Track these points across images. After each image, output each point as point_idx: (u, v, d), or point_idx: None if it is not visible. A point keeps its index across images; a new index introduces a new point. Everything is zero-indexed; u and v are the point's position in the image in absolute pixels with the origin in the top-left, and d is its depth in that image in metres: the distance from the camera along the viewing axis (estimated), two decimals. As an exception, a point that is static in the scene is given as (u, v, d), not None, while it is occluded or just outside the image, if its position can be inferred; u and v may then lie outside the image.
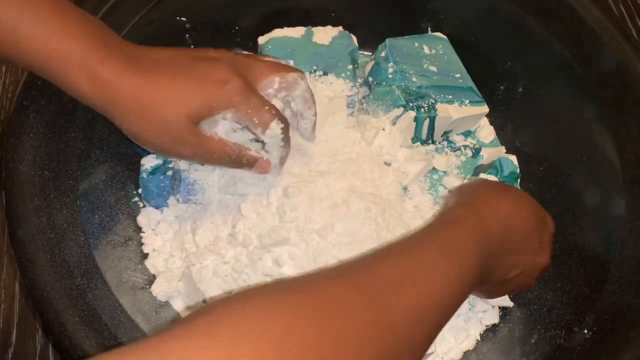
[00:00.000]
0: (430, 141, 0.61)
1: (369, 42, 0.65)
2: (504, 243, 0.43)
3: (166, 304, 0.52)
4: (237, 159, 0.46)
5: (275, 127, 0.45)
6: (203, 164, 0.52)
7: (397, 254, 0.36)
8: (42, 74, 0.41)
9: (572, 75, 0.57)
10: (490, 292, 0.50)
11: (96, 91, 0.40)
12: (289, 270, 0.48)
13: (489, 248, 0.41)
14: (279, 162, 0.48)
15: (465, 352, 0.54)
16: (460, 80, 0.60)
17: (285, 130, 0.46)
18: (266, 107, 0.44)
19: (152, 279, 0.52)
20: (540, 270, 0.48)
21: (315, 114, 0.50)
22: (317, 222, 0.48)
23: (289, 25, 0.61)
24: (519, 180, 0.61)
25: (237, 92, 0.43)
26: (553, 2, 0.58)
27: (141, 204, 0.55)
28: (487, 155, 0.61)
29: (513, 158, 0.61)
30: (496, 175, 0.60)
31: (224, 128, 0.45)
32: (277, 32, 0.61)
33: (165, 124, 0.41)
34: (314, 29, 0.62)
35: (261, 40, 0.61)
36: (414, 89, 0.58)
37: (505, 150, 0.63)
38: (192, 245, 0.51)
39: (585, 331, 0.46)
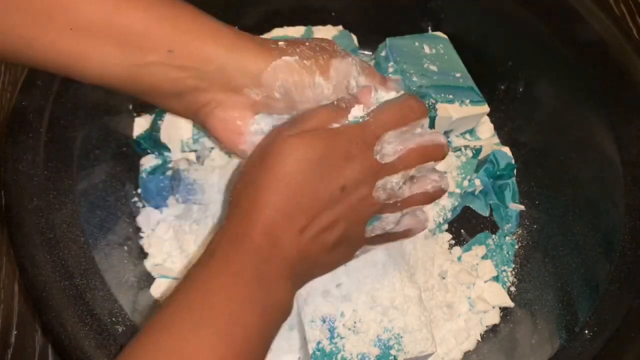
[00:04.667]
0: (430, 141, 0.61)
1: (369, 42, 0.65)
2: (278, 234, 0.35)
3: (166, 304, 0.52)
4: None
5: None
6: None
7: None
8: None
9: (572, 75, 0.57)
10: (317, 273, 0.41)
11: None
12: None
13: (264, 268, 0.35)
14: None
15: (465, 353, 0.54)
16: (461, 80, 0.60)
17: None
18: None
19: (151, 279, 0.52)
20: (359, 237, 0.40)
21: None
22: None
23: (289, 25, 0.61)
24: (515, 171, 0.61)
25: None
26: (553, 2, 0.58)
27: (141, 204, 0.55)
28: (483, 149, 0.61)
29: (506, 150, 0.61)
30: (493, 170, 0.60)
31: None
32: (277, 32, 0.61)
33: None
34: (314, 28, 0.62)
35: (261, 40, 0.61)
36: (414, 88, 0.58)
37: (497, 141, 0.63)
38: (192, 245, 0.51)
39: (586, 331, 0.46)
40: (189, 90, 0.37)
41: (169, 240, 0.53)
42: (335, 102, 0.38)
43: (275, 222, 0.35)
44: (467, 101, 0.59)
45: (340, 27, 0.63)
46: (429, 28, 0.65)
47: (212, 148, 0.55)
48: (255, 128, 0.38)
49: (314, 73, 0.37)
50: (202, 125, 0.40)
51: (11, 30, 0.33)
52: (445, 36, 0.63)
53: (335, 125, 0.37)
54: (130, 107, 0.57)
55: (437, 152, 0.41)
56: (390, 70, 0.59)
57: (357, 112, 0.38)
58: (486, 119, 0.64)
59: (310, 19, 0.62)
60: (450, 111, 0.58)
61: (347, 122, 0.37)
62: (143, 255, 0.53)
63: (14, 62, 0.41)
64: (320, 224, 0.36)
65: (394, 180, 0.39)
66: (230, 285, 0.33)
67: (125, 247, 0.51)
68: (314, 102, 0.38)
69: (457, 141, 0.62)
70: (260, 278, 0.34)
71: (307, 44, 0.38)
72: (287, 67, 0.36)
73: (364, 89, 0.39)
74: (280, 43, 0.37)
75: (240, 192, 0.37)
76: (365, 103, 0.39)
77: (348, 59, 0.39)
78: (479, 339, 0.55)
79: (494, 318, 0.55)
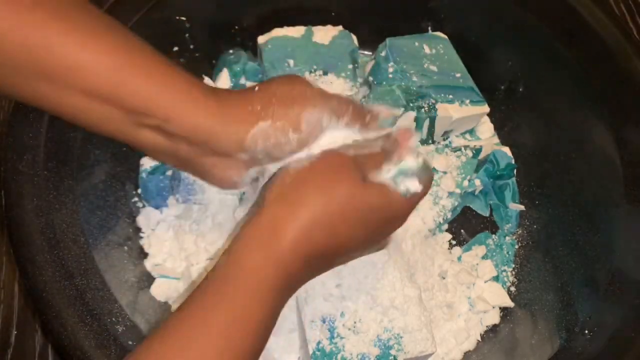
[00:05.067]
0: (430, 141, 0.61)
1: (369, 42, 0.65)
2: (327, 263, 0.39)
3: (165, 304, 0.52)
4: None
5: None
6: None
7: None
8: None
9: (572, 75, 0.57)
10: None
11: None
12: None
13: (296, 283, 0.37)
14: None
15: (465, 353, 0.54)
16: (461, 80, 0.60)
17: None
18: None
19: (151, 279, 0.52)
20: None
21: None
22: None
23: (289, 25, 0.61)
24: (515, 171, 0.61)
25: None
26: (553, 2, 0.58)
27: (141, 204, 0.55)
28: (483, 149, 0.61)
29: (506, 150, 0.61)
30: (493, 170, 0.60)
31: None
32: (277, 32, 0.61)
33: None
34: (314, 28, 0.62)
35: (261, 39, 0.61)
36: (414, 88, 0.58)
37: (497, 141, 0.63)
38: (192, 245, 0.51)
39: (586, 331, 0.46)
40: (184, 154, 0.40)
41: (169, 240, 0.53)
42: (385, 147, 0.40)
43: (309, 252, 0.37)
44: (467, 101, 0.59)
45: (340, 27, 0.63)
46: (429, 28, 0.65)
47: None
48: (248, 176, 0.42)
49: (287, 132, 0.39)
50: (197, 176, 0.43)
51: (21, 85, 0.36)
52: (445, 36, 0.63)
53: (386, 168, 0.39)
54: (130, 107, 0.57)
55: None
56: (390, 70, 0.59)
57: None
58: (486, 119, 0.64)
59: (310, 19, 0.62)
60: (450, 111, 0.58)
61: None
62: (143, 255, 0.53)
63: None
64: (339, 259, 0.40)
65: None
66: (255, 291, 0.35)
67: (125, 247, 0.51)
68: (291, 153, 0.40)
69: (457, 141, 0.62)
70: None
71: (277, 94, 0.40)
72: (262, 133, 0.39)
73: (403, 134, 0.41)
74: (256, 104, 0.39)
75: (281, 196, 0.37)
76: (405, 150, 0.41)
77: (317, 109, 0.40)
78: (479, 339, 0.55)
79: (494, 318, 0.55)
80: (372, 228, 0.39)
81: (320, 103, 0.40)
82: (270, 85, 0.40)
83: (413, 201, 0.40)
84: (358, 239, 0.39)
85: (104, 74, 0.36)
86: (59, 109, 0.37)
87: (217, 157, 0.40)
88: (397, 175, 0.39)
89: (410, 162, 0.40)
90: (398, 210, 0.40)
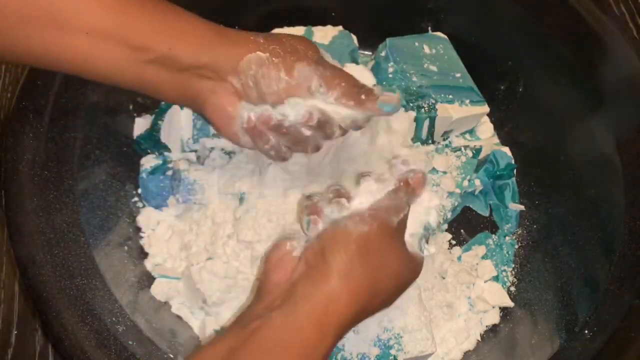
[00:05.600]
0: (430, 141, 0.61)
1: (369, 42, 0.65)
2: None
3: (166, 304, 0.52)
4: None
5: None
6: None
7: None
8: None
9: (572, 75, 0.57)
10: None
11: None
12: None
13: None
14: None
15: (465, 353, 0.54)
16: (461, 80, 0.60)
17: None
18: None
19: (151, 279, 0.52)
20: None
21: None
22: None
23: (289, 25, 0.61)
24: (515, 171, 0.61)
25: None
26: (553, 2, 0.58)
27: (141, 204, 0.55)
28: (483, 149, 0.61)
29: (506, 150, 0.61)
30: (493, 170, 0.60)
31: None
32: (277, 32, 0.61)
33: None
34: (314, 28, 0.62)
35: (261, 40, 0.61)
36: (414, 88, 0.58)
37: (497, 141, 0.63)
38: (192, 245, 0.51)
39: (586, 331, 0.46)
40: (186, 81, 0.42)
41: (169, 240, 0.53)
42: (401, 199, 0.42)
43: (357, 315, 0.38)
44: (467, 101, 0.59)
45: (340, 27, 0.62)
46: (429, 28, 0.65)
47: (212, 148, 0.55)
48: (242, 113, 0.43)
49: (279, 70, 0.42)
50: (200, 112, 0.45)
51: (30, 38, 0.38)
52: (445, 36, 0.63)
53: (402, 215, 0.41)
54: (131, 107, 0.57)
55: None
56: (390, 70, 0.59)
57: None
58: (486, 119, 0.64)
59: (310, 19, 0.62)
60: (450, 111, 0.58)
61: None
62: (143, 255, 0.53)
63: (31, 64, 0.47)
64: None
65: None
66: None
67: (126, 247, 0.51)
68: (277, 97, 0.43)
69: (457, 141, 0.62)
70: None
71: (283, 41, 0.43)
72: (258, 60, 0.41)
73: (416, 179, 0.43)
74: (260, 39, 0.42)
75: (339, 256, 0.38)
76: (419, 192, 0.44)
77: (311, 68, 0.42)
78: (479, 339, 0.55)
79: (494, 318, 0.55)
80: (404, 288, 0.42)
81: (315, 65, 0.42)
82: (280, 35, 0.44)
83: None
84: (394, 299, 0.42)
85: (106, 14, 0.38)
86: (68, 56, 0.39)
87: (215, 82, 0.42)
88: (422, 237, 0.43)
89: (433, 219, 0.44)
90: (420, 267, 0.43)
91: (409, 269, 0.42)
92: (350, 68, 0.59)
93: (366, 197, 0.41)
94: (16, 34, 0.37)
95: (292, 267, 0.39)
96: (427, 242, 0.45)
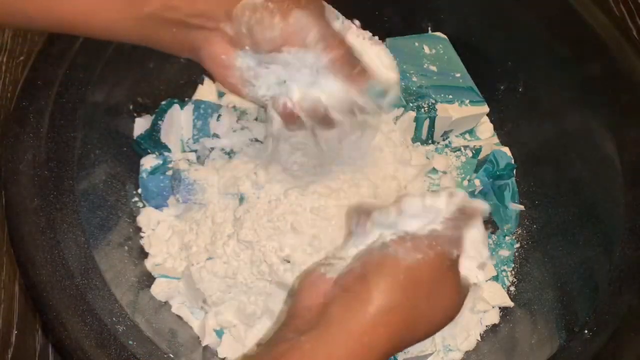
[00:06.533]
0: (430, 141, 0.61)
1: (369, 42, 0.64)
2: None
3: (166, 304, 0.52)
4: None
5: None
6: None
7: None
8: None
9: (572, 75, 0.57)
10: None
11: None
12: (288, 272, 0.48)
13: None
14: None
15: (465, 352, 0.54)
16: (461, 80, 0.60)
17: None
18: None
19: (151, 279, 0.52)
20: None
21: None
22: (315, 220, 0.48)
23: (288, 25, 0.61)
24: (515, 171, 0.61)
25: None
26: (553, 2, 0.58)
27: (141, 204, 0.55)
28: (483, 149, 0.61)
29: (506, 150, 0.61)
30: (493, 170, 0.60)
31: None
32: None
33: None
34: (314, 28, 0.61)
35: (261, 40, 0.61)
36: (414, 88, 0.58)
37: (497, 141, 0.63)
38: (192, 245, 0.51)
39: (586, 331, 0.46)
40: (182, 30, 0.41)
41: (169, 240, 0.53)
42: (461, 229, 0.39)
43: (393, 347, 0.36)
44: (467, 101, 0.59)
45: (340, 27, 0.62)
46: (429, 28, 0.65)
47: (212, 148, 0.55)
48: (239, 62, 0.42)
49: (274, 15, 0.40)
50: (198, 61, 0.44)
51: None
52: (445, 36, 0.63)
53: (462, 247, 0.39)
54: (131, 107, 0.57)
55: None
56: (390, 70, 0.59)
57: None
58: (486, 119, 0.64)
59: (310, 19, 0.62)
60: (450, 111, 0.58)
61: None
62: (143, 255, 0.53)
63: (26, 29, 0.47)
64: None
65: None
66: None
67: (126, 247, 0.51)
68: (272, 45, 0.40)
69: (456, 141, 0.62)
70: None
71: None
72: (251, 6, 0.40)
73: (474, 209, 0.40)
74: None
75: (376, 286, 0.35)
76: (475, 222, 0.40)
77: (309, 19, 0.40)
78: (479, 339, 0.55)
79: (494, 318, 0.55)
80: (449, 322, 0.39)
81: (316, 19, 0.40)
82: None
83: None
84: (435, 332, 0.39)
85: None
86: (67, 13, 0.40)
87: (208, 31, 0.41)
88: (480, 266, 0.40)
89: (485, 256, 0.40)
90: (465, 297, 0.40)
91: (459, 303, 0.39)
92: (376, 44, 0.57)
93: (410, 221, 0.38)
94: None
95: (324, 290, 0.36)
96: (482, 269, 0.42)
